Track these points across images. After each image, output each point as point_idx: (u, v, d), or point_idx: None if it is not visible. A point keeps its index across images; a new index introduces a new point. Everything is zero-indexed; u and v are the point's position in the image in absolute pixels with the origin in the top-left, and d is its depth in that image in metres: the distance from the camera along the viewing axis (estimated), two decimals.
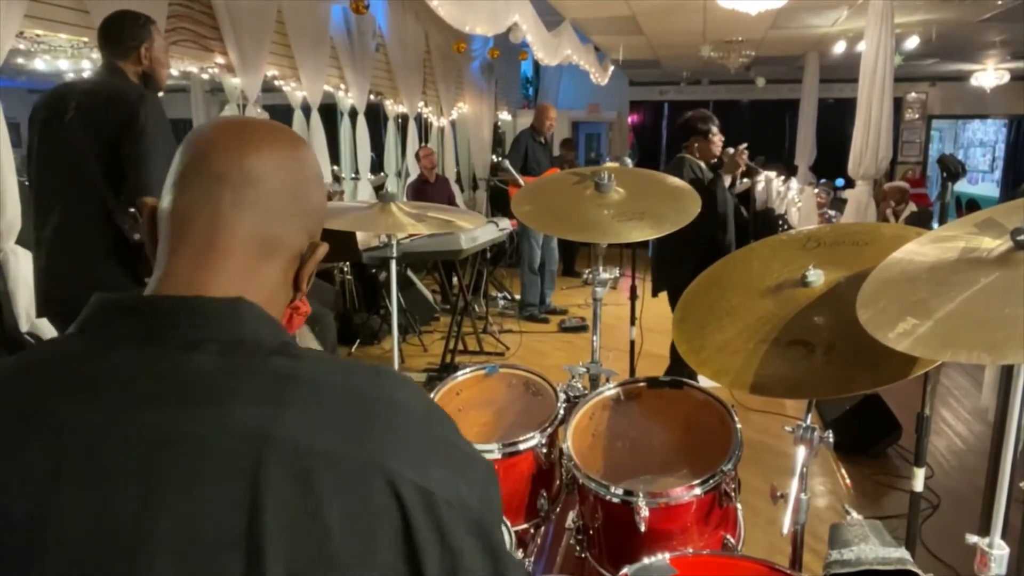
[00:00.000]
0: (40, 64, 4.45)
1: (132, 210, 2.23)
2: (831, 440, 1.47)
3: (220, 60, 4.49)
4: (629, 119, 13.13)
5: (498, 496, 0.71)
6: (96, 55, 3.62)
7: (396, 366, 2.34)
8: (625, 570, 1.26)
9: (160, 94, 2.42)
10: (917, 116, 12.00)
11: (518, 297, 6.22)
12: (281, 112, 5.88)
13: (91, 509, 0.57)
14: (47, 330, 2.86)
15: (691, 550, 1.43)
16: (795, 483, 1.45)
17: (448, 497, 0.62)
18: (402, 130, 7.50)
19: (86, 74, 4.06)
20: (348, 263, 5.17)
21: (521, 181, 4.92)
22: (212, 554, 0.56)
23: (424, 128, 7.91)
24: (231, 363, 0.62)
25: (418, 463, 0.62)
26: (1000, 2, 6.10)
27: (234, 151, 0.70)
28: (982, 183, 13.73)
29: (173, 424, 0.59)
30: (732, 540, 1.58)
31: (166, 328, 0.63)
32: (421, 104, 7.47)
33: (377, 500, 0.59)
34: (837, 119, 10.75)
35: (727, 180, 3.57)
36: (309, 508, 0.57)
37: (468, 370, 2.08)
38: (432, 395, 1.96)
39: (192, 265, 0.68)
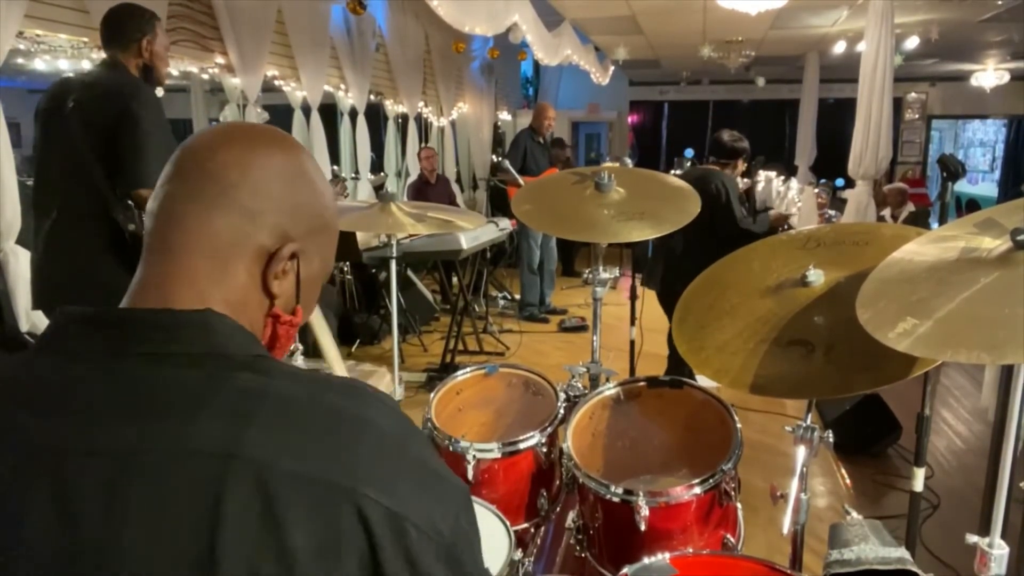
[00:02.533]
0: (40, 64, 4.44)
1: (127, 203, 2.24)
2: (831, 440, 1.47)
3: (220, 60, 4.49)
4: (629, 119, 13.13)
5: (473, 521, 0.68)
6: (96, 55, 3.63)
7: (396, 366, 2.34)
8: (625, 570, 1.26)
9: (160, 92, 2.43)
10: (917, 116, 11.99)
11: (518, 297, 6.22)
12: (281, 112, 5.88)
13: (56, 524, 0.56)
14: None
15: (691, 550, 1.43)
16: (795, 483, 1.45)
17: (418, 522, 0.60)
18: (402, 130, 7.49)
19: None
20: (348, 263, 5.18)
21: (521, 181, 4.92)
22: (173, 572, 0.55)
23: (424, 128, 7.91)
24: (199, 377, 0.61)
25: (387, 486, 0.60)
26: (1000, 2, 6.10)
27: (196, 149, 0.70)
28: (982, 183, 13.72)
29: (138, 439, 0.58)
30: (732, 540, 1.58)
31: (135, 342, 0.62)
32: (421, 104, 7.47)
33: (343, 524, 0.57)
34: (837, 119, 10.74)
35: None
36: (273, 529, 0.56)
37: (468, 370, 2.08)
38: (432, 395, 1.96)
39: (158, 271, 0.68)
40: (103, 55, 2.40)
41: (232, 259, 0.68)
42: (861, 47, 5.75)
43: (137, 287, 0.68)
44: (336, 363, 2.63)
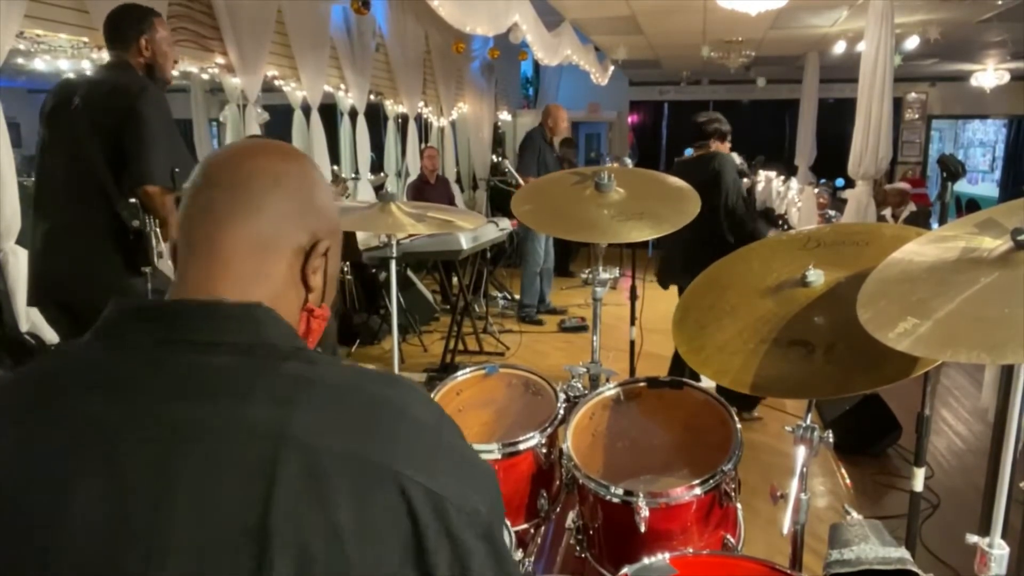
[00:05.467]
0: (40, 64, 4.44)
1: (132, 200, 2.25)
2: (831, 440, 1.47)
3: (220, 60, 4.49)
4: (629, 119, 13.13)
5: (501, 503, 0.73)
6: (96, 55, 3.62)
7: (396, 366, 2.34)
8: (625, 570, 1.26)
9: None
10: (917, 116, 11.99)
11: (518, 297, 6.23)
12: (281, 112, 5.87)
13: (108, 500, 0.58)
14: (47, 330, 2.86)
15: (691, 550, 1.43)
16: (795, 483, 1.45)
17: (458, 502, 0.63)
18: (402, 130, 7.49)
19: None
20: (348, 263, 5.18)
21: (521, 181, 4.93)
22: (224, 546, 0.57)
23: (424, 128, 7.91)
24: (248, 364, 0.64)
25: (429, 468, 0.63)
26: (1000, 2, 6.09)
27: (226, 161, 0.76)
28: (982, 183, 13.72)
29: (190, 417, 0.61)
30: (732, 540, 1.58)
31: (185, 332, 0.66)
32: (421, 104, 7.46)
33: (388, 502, 0.60)
34: (837, 119, 10.73)
35: None
36: (321, 507, 0.58)
37: (468, 370, 2.08)
38: (432, 395, 1.96)
39: (203, 270, 0.71)
40: (103, 55, 2.41)
41: (274, 256, 0.74)
42: (861, 47, 5.75)
43: (182, 285, 0.72)
44: None
